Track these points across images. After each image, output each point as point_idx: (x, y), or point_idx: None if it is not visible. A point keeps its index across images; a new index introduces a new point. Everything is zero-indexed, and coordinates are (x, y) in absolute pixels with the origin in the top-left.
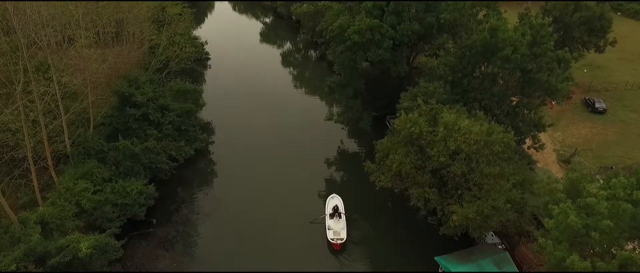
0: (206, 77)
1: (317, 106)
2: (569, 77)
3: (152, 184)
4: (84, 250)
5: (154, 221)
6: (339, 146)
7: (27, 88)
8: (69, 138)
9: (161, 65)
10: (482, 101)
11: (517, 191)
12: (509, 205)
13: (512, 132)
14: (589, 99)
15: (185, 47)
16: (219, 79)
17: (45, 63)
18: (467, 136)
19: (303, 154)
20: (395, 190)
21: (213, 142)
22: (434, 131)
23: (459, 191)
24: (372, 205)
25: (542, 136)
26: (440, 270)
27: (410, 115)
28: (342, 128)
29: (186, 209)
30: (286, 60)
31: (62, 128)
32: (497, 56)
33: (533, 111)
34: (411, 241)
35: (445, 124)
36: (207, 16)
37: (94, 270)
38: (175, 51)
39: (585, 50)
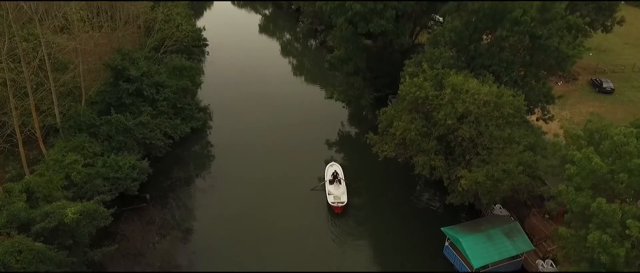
0: (204, 66)
1: (317, 94)
2: (580, 44)
3: (146, 159)
4: (70, 215)
5: (148, 196)
6: (339, 130)
7: (13, 49)
8: (60, 112)
9: (157, 43)
10: (490, 67)
11: (528, 154)
12: (521, 168)
13: (523, 96)
14: (596, 79)
15: (182, 24)
16: (217, 68)
17: (34, 32)
18: (475, 96)
19: (302, 139)
20: (399, 159)
21: (211, 127)
22: (440, 94)
23: (467, 157)
24: (374, 187)
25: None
26: (447, 242)
27: (415, 79)
28: (343, 107)
29: (181, 186)
30: (285, 49)
31: (52, 100)
32: (506, 18)
33: (542, 81)
34: (415, 217)
35: (453, 85)
36: (206, 9)
37: (82, 238)
38: (172, 28)
39: (591, 30)
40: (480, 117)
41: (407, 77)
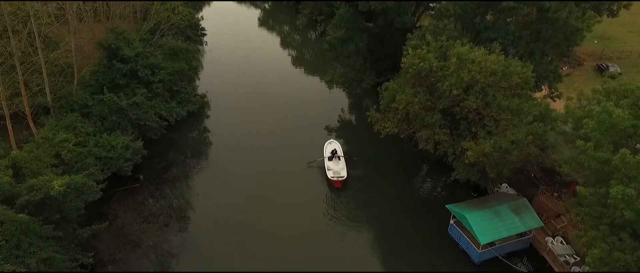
0: (203, 59)
1: (316, 84)
2: (589, 17)
3: (140, 140)
4: (56, 187)
5: (141, 177)
6: (340, 116)
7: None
8: (51, 92)
9: (153, 26)
10: (496, 39)
11: (538, 125)
12: (531, 137)
13: (531, 66)
14: (602, 64)
15: (179, 7)
16: (215, 59)
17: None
18: (482, 65)
19: (301, 127)
20: (402, 135)
21: (208, 116)
22: (445, 65)
23: (474, 130)
24: (375, 168)
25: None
26: (452, 220)
27: (418, 51)
28: (343, 90)
29: (176, 168)
30: (285, 41)
31: (42, 79)
32: None
33: (549, 57)
34: (418, 197)
35: (458, 55)
36: (205, 5)
37: (69, 212)
38: (168, 11)
39: (597, 15)
40: (487, 87)
41: (410, 50)
